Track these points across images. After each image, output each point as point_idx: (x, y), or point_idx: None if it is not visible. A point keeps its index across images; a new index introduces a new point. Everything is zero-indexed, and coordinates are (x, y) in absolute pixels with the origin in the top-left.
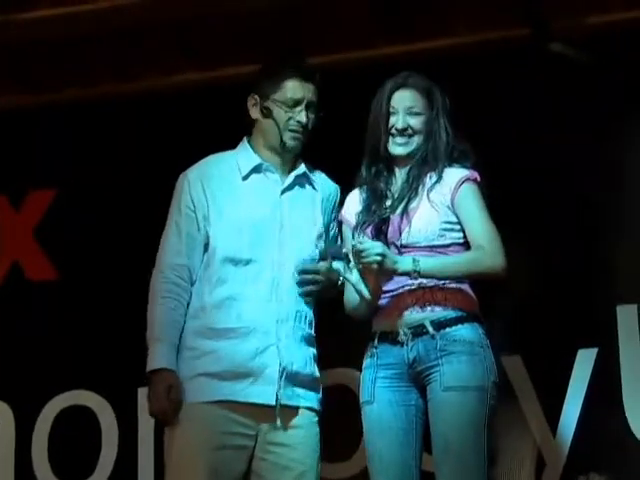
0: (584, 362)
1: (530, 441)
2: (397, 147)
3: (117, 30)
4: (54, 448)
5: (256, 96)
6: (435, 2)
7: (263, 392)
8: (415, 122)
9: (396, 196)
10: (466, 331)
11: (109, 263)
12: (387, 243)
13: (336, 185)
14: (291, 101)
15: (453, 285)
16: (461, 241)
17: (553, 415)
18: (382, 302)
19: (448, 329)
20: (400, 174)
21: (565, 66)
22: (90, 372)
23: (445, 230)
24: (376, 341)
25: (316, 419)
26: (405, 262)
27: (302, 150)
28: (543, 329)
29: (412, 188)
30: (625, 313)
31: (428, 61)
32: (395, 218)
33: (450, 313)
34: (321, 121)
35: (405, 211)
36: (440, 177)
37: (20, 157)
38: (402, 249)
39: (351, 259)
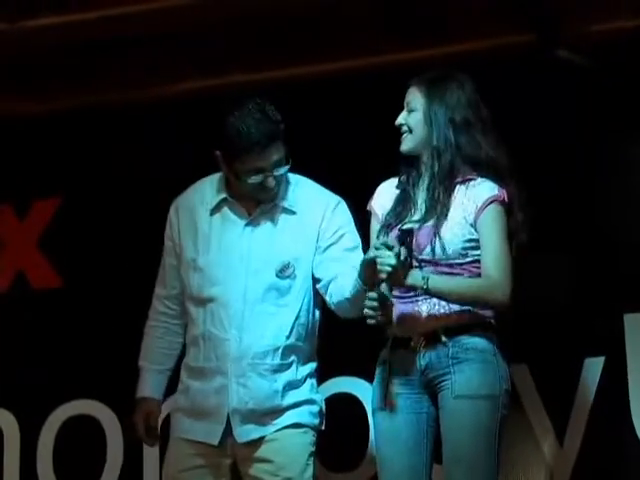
0: (591, 371)
1: (538, 451)
2: (401, 145)
3: (121, 38)
4: (59, 457)
5: (220, 156)
6: (440, 9)
7: (212, 431)
8: (410, 119)
9: (423, 210)
10: (479, 339)
11: (114, 272)
12: (409, 256)
13: (330, 198)
14: (254, 171)
15: None
16: (480, 258)
17: (560, 424)
18: (397, 310)
19: (461, 337)
20: (424, 180)
21: (571, 73)
22: (95, 381)
23: (467, 249)
24: (389, 348)
25: (295, 430)
26: (415, 277)
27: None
28: (550, 338)
29: (437, 202)
30: (632, 322)
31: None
32: (418, 232)
33: (464, 321)
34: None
35: (429, 226)
36: (469, 190)
37: (24, 166)
38: (422, 264)
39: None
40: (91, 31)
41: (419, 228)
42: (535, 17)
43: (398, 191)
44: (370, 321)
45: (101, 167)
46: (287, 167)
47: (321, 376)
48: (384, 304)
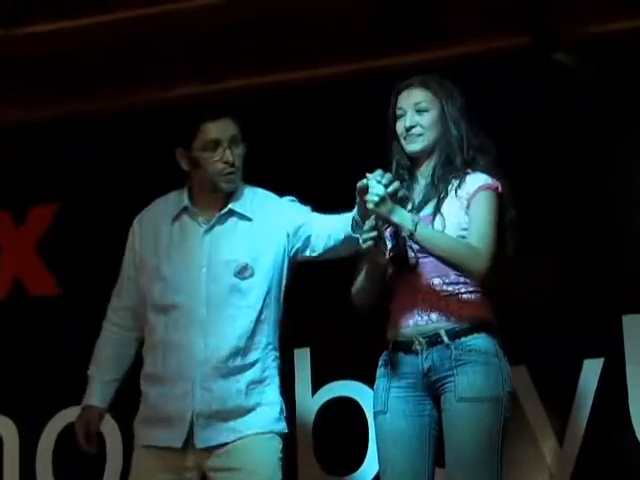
0: (590, 372)
1: (537, 452)
2: (409, 145)
3: (117, 44)
4: (58, 464)
5: (180, 149)
6: (436, 11)
7: (174, 436)
8: (423, 119)
9: (420, 198)
10: (482, 341)
11: (111, 278)
12: (405, 246)
13: (283, 200)
14: (210, 144)
15: (469, 295)
16: None
17: (560, 425)
18: (397, 310)
19: (463, 338)
20: (422, 177)
21: (567, 75)
22: None
23: (463, 237)
24: (390, 350)
25: (262, 437)
26: (405, 218)
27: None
28: (549, 339)
29: (436, 191)
30: (631, 323)
31: (430, 71)
32: None
33: (465, 323)
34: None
35: (426, 216)
36: (463, 182)
37: (22, 172)
38: (418, 253)
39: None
40: (86, 37)
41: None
42: (531, 19)
43: None
44: (365, 245)
45: (99, 173)
46: (243, 147)
47: (321, 380)
48: (380, 236)
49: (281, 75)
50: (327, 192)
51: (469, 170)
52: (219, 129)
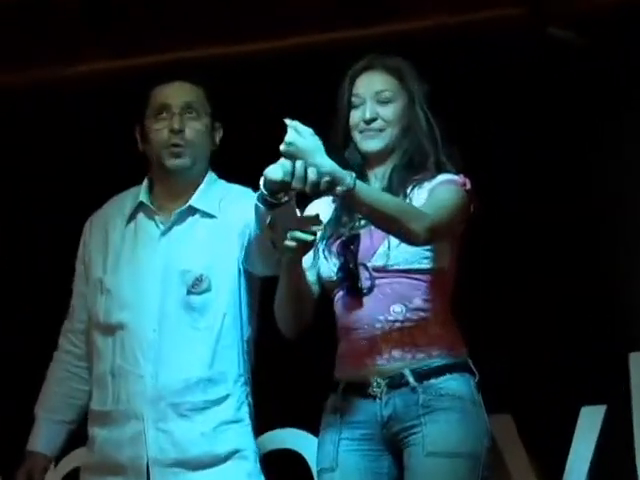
0: (589, 421)
1: None
2: (367, 142)
3: (29, 18)
4: None
5: (138, 125)
6: None
7: None
8: (386, 112)
9: None
10: (455, 383)
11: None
12: (356, 265)
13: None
14: (158, 108)
15: (438, 326)
16: (445, 267)
17: None
18: (348, 344)
19: (433, 380)
20: (376, 178)
21: (561, 49)
22: None
23: (429, 250)
24: (340, 393)
25: None
26: (342, 171)
27: (200, 166)
28: (539, 382)
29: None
30: (639, 362)
31: (408, 45)
32: (367, 234)
33: (435, 360)
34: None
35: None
36: (424, 186)
37: None
38: (375, 273)
39: None
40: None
41: (368, 230)
42: None
43: (336, 204)
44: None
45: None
46: (208, 120)
47: (258, 428)
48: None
49: (227, 48)
50: None
51: (434, 173)
52: (170, 93)
